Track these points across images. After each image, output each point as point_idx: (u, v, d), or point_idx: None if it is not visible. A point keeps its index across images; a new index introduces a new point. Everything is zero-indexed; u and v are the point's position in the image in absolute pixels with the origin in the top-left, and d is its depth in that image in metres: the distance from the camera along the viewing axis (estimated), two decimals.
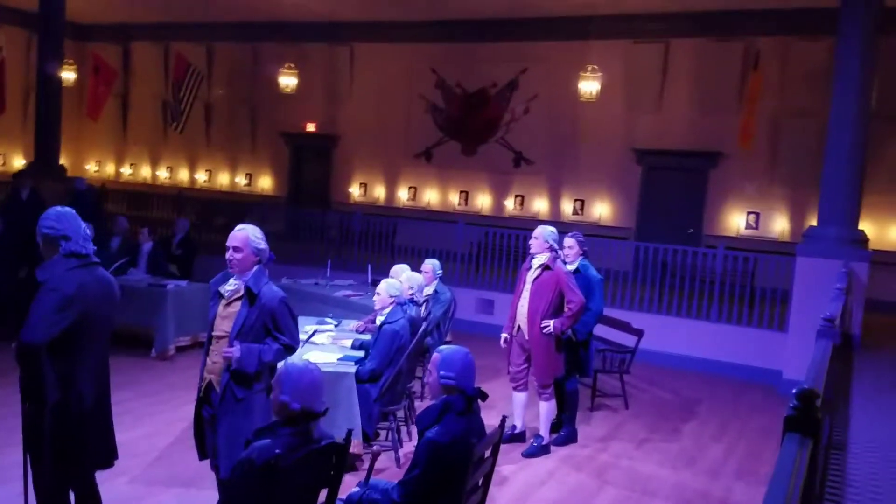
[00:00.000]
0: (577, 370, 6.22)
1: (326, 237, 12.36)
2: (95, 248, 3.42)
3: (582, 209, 14.12)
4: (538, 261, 5.75)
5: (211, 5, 15.30)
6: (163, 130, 18.01)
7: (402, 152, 15.66)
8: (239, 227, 3.76)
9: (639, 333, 7.26)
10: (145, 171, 18.66)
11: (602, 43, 13.45)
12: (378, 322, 5.45)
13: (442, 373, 3.20)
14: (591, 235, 11.44)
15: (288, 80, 13.99)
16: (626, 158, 13.66)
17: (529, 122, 14.46)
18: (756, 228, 12.80)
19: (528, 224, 13.12)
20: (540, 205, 14.54)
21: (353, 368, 5.12)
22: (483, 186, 15.05)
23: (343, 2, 14.33)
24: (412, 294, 5.97)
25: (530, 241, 5.82)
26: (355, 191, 16.22)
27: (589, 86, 11.83)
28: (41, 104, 13.34)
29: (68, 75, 15.70)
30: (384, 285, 5.44)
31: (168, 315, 7.77)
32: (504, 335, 5.94)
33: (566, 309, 5.63)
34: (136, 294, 7.87)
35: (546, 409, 5.84)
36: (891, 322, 10.10)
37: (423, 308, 7.31)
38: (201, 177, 17.85)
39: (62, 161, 18.60)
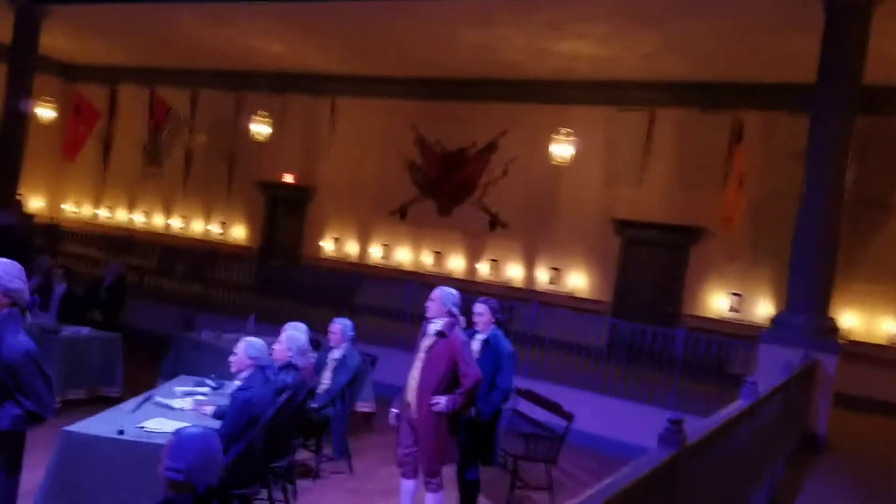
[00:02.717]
0: (478, 456, 5.40)
1: (289, 292, 11.60)
2: None
3: (557, 278, 13.36)
4: (434, 327, 5.03)
5: (197, 53, 15.14)
6: (141, 174, 17.71)
7: (377, 208, 15.11)
8: None
9: (568, 417, 6.42)
10: (121, 215, 18.25)
11: (584, 108, 13.03)
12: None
13: (168, 463, 2.45)
14: (564, 307, 10.77)
15: (260, 128, 13.59)
16: (605, 229, 12.98)
17: (507, 185, 13.90)
18: (738, 311, 11.95)
19: (498, 291, 12.46)
20: (514, 271, 13.81)
21: None
22: (457, 248, 14.39)
23: (326, 55, 14.09)
24: (290, 356, 5.22)
25: (427, 304, 5.12)
26: (328, 245, 15.62)
27: (561, 149, 11.21)
28: (3, 139, 13.04)
29: (48, 113, 15.44)
30: (243, 344, 4.70)
31: (56, 365, 7.06)
32: (394, 411, 5.17)
33: (460, 384, 4.88)
34: None
35: (432, 503, 5.01)
36: (873, 422, 9.13)
37: (327, 373, 6.59)
38: (176, 223, 17.38)
39: (40, 199, 18.40)
